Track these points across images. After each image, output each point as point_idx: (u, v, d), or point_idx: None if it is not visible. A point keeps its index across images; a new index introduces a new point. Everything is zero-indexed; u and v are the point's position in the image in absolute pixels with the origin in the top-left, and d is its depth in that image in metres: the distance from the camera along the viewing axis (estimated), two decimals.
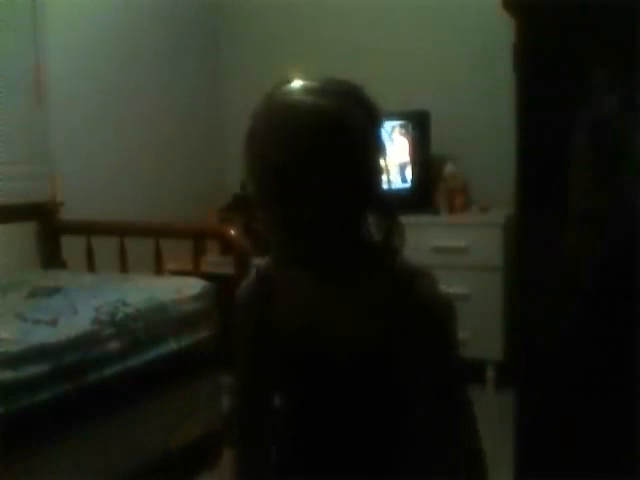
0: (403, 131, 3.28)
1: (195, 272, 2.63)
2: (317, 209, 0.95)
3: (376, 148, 1.00)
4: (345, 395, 1.02)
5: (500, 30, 2.02)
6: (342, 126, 0.94)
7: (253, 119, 0.97)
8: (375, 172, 0.99)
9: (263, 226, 1.00)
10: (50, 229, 3.03)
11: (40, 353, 1.86)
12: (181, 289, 2.41)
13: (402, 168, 3.28)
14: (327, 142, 0.93)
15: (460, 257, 3.09)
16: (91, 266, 2.90)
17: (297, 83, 0.98)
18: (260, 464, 1.13)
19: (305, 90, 0.96)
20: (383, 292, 0.99)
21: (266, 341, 1.08)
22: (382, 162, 1.00)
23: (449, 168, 3.32)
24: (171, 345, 2.29)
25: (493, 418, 2.22)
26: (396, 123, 3.28)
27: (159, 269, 2.75)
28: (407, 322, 0.97)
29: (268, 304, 1.08)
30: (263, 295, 1.09)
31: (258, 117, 0.97)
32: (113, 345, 2.08)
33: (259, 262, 1.15)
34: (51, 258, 3.01)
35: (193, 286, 2.45)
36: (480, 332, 2.99)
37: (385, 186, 1.01)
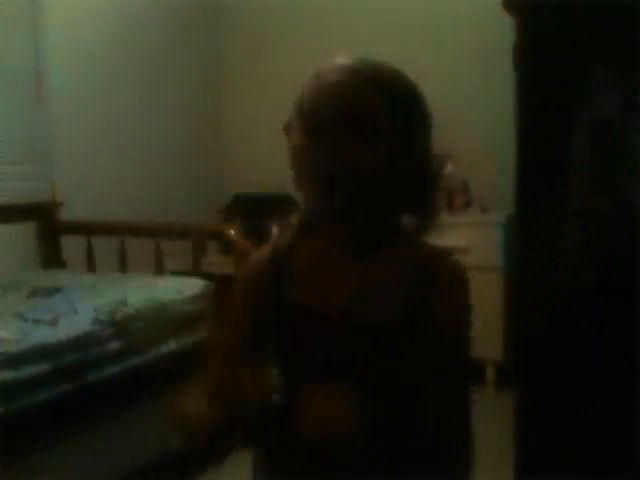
0: None
1: (195, 272, 2.63)
2: (373, 168, 0.98)
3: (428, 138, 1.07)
4: (362, 365, 1.01)
5: (500, 30, 2.02)
6: (422, 100, 1.06)
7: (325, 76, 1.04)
8: (430, 157, 1.06)
9: (304, 181, 1.02)
10: (50, 229, 3.03)
11: (40, 353, 1.86)
12: (181, 289, 2.41)
13: None
14: (409, 107, 1.03)
15: (460, 257, 3.09)
16: (91, 266, 2.90)
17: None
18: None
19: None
20: (409, 266, 1.03)
21: (276, 310, 1.06)
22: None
23: (449, 168, 3.32)
24: (171, 345, 2.29)
25: (493, 418, 2.22)
26: None
27: (159, 269, 2.75)
28: (430, 293, 1.02)
29: (282, 276, 1.07)
30: (277, 267, 1.09)
31: (334, 73, 1.04)
32: (113, 345, 2.08)
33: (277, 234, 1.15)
34: (51, 258, 3.01)
35: (193, 286, 2.45)
36: (480, 332, 2.97)
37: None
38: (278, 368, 1.06)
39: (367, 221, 1.02)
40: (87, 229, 2.93)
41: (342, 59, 1.04)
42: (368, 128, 0.98)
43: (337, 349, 1.02)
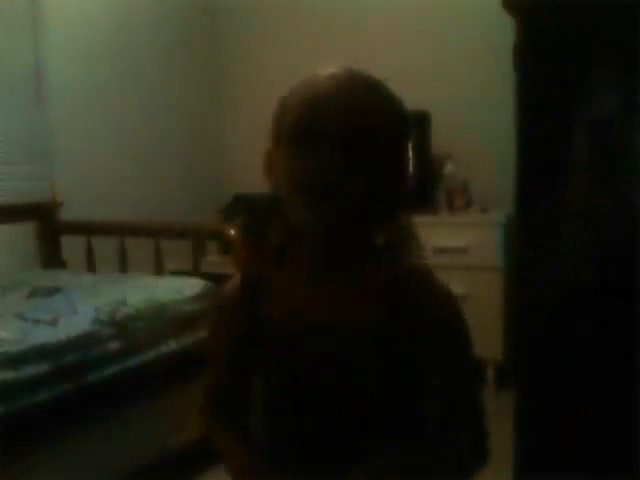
0: None
1: (195, 272, 2.63)
2: (365, 183, 0.95)
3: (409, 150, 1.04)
4: (346, 395, 1.01)
5: (500, 30, 2.02)
6: (407, 114, 1.03)
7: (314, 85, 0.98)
8: (408, 170, 1.03)
9: (287, 189, 0.99)
10: (50, 229, 3.03)
11: (40, 353, 1.86)
12: (181, 289, 2.41)
13: None
14: (399, 121, 1.00)
15: (460, 257, 3.09)
16: (91, 266, 2.90)
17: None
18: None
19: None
20: (389, 288, 1.01)
21: (255, 339, 1.06)
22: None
23: (449, 168, 3.32)
24: (171, 345, 2.29)
25: (493, 418, 2.21)
26: None
27: (159, 269, 2.75)
28: (415, 317, 0.99)
29: (256, 303, 1.07)
30: (250, 295, 1.08)
31: (327, 83, 0.97)
32: (113, 345, 2.08)
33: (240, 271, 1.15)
34: (51, 258, 3.01)
35: (193, 286, 2.45)
36: (480, 332, 2.97)
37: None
38: (261, 399, 1.08)
39: (349, 235, 1.00)
40: (87, 229, 2.93)
41: (331, 69, 1.00)
42: (362, 140, 0.94)
43: (321, 370, 1.02)
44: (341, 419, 1.02)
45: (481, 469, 1.04)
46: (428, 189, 3.32)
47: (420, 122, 3.27)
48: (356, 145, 0.94)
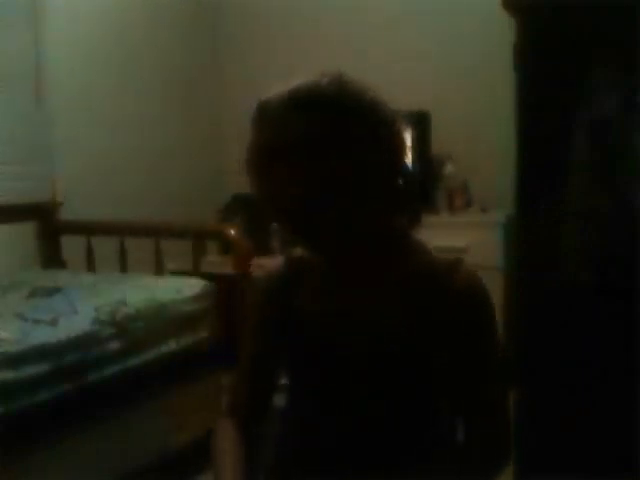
0: None
1: (195, 272, 2.63)
2: (350, 197, 0.95)
3: (401, 145, 1.02)
4: (367, 384, 1.01)
5: (500, 30, 2.02)
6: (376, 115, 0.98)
7: (277, 103, 0.97)
8: (403, 166, 1.02)
9: (283, 227, 1.01)
10: (50, 229, 3.02)
11: (40, 353, 1.86)
12: (181, 289, 2.41)
13: None
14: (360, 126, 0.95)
15: (460, 257, 3.09)
16: (91, 266, 2.90)
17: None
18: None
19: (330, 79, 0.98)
20: (416, 283, 1.01)
21: (290, 326, 1.07)
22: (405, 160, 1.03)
23: (449, 168, 3.31)
24: (171, 345, 2.29)
25: None
26: None
27: (159, 269, 2.75)
28: (447, 314, 0.99)
29: (297, 289, 1.08)
30: (292, 279, 1.09)
31: (284, 100, 0.96)
32: (113, 345, 2.08)
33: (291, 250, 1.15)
34: (51, 258, 3.01)
35: (193, 286, 2.45)
36: None
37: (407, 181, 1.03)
38: (288, 382, 1.08)
39: (346, 237, 1.00)
40: (87, 229, 2.93)
41: (312, 77, 0.98)
42: (336, 150, 0.93)
43: (349, 379, 1.02)
44: (362, 417, 1.01)
45: (505, 469, 1.04)
46: (428, 189, 3.32)
47: (420, 122, 3.26)
48: (311, 156, 0.92)
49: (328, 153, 0.93)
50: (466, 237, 3.10)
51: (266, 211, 0.99)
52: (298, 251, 1.11)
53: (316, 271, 1.08)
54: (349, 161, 0.94)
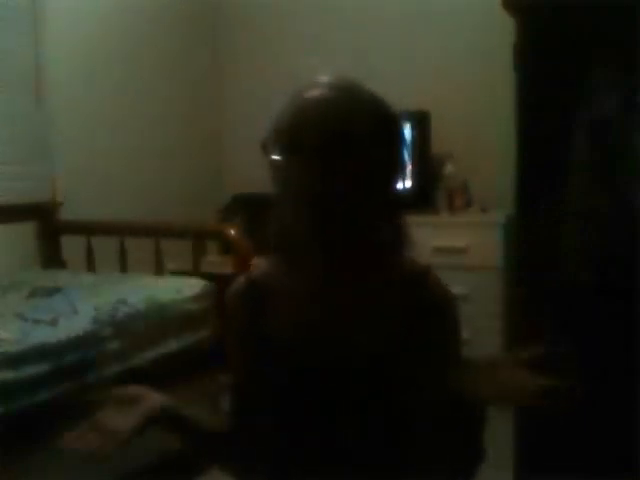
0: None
1: (195, 272, 2.63)
2: (353, 191, 0.98)
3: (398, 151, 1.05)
4: (351, 398, 1.01)
5: (500, 30, 2.02)
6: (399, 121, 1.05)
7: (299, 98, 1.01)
8: (397, 170, 1.05)
9: (280, 211, 1.03)
10: (50, 229, 3.02)
11: (40, 353, 1.86)
12: (181, 289, 2.41)
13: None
14: (380, 128, 1.01)
15: (460, 257, 3.09)
16: (91, 266, 2.90)
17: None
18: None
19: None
20: (395, 292, 1.02)
21: (260, 345, 1.07)
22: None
23: (449, 168, 3.31)
24: (171, 345, 2.29)
25: (493, 418, 2.21)
26: None
27: (159, 269, 2.75)
28: (421, 320, 1.01)
29: (261, 309, 1.07)
30: (254, 301, 1.09)
31: (309, 95, 1.01)
32: (113, 345, 2.08)
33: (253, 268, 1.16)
34: (51, 258, 3.01)
35: (193, 286, 2.45)
36: (480, 332, 2.98)
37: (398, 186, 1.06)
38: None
39: (344, 238, 1.01)
40: (87, 229, 2.92)
41: (324, 77, 1.03)
42: (354, 148, 0.97)
43: (327, 383, 1.02)
44: (344, 425, 1.02)
45: (478, 469, 1.05)
46: (428, 189, 3.32)
47: (420, 122, 3.26)
48: (331, 152, 0.96)
49: (344, 150, 0.97)
50: (466, 237, 3.10)
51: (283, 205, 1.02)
52: (260, 267, 1.12)
53: (282, 288, 1.08)
54: (362, 157, 0.98)
